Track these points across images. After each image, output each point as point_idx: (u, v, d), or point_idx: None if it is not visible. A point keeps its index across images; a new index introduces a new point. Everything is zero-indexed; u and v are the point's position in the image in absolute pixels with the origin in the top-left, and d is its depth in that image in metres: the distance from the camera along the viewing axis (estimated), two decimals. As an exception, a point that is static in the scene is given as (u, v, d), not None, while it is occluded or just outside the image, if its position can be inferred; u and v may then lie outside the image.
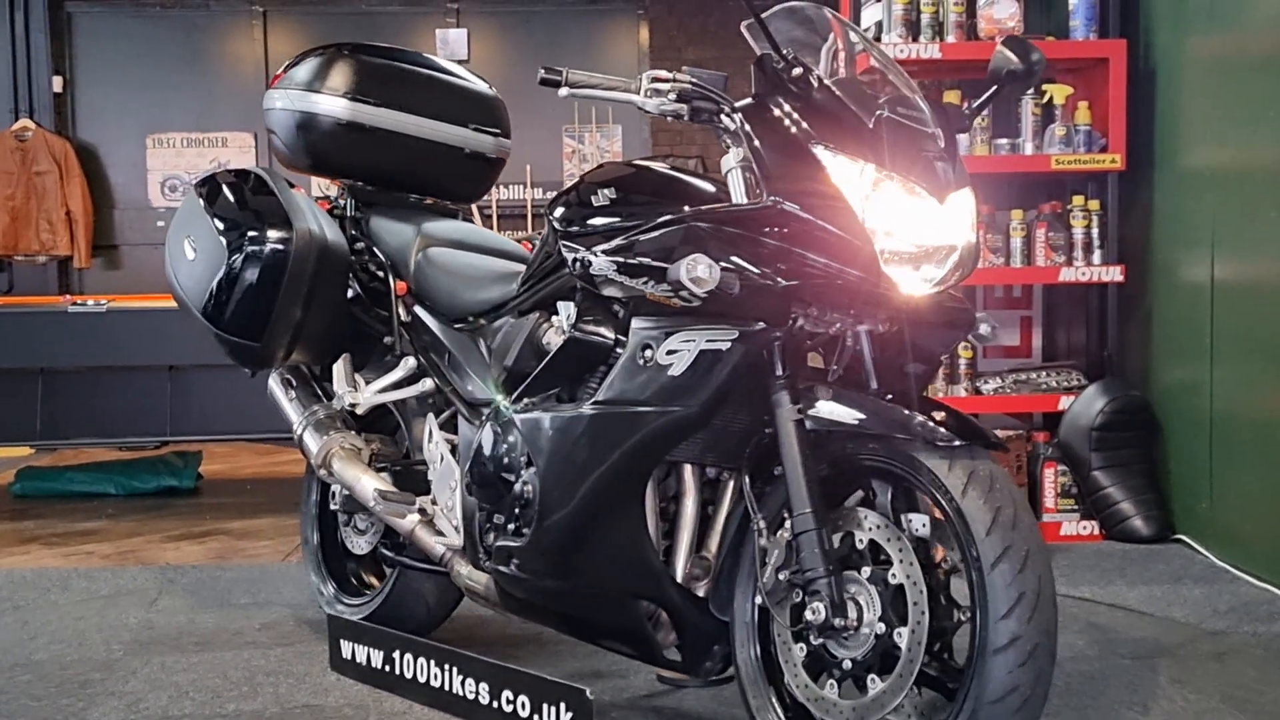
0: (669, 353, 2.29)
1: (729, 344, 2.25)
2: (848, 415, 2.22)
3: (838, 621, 2.19)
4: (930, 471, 2.15)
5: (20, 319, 5.09)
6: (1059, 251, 4.46)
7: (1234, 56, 4.06)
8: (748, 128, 2.29)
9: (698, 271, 2.18)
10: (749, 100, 2.33)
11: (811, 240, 2.20)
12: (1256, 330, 3.87)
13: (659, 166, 2.53)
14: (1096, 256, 4.45)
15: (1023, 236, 4.45)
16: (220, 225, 3.10)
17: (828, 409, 2.23)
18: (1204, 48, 4.23)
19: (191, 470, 5.73)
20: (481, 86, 3.50)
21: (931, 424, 2.15)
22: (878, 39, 4.45)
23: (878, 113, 2.25)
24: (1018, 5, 4.44)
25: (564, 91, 2.36)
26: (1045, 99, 4.48)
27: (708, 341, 2.26)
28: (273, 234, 3.03)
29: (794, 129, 2.25)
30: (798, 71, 2.29)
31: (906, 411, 2.19)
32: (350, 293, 3.24)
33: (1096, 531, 4.40)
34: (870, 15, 4.68)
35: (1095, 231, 4.45)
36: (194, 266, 3.16)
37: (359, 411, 3.22)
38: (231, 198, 3.16)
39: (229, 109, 8.54)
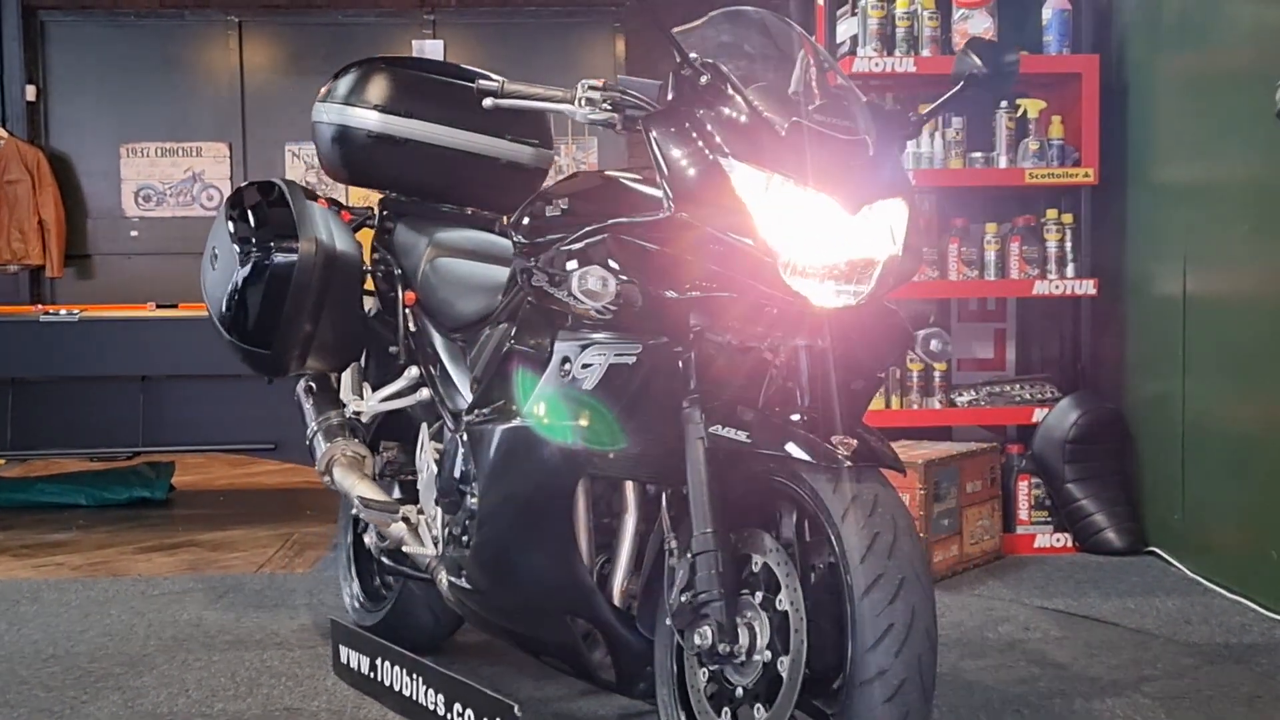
0: (584, 366, 2.27)
1: (634, 358, 2.21)
2: (738, 434, 2.13)
3: (722, 648, 2.11)
4: (815, 493, 2.06)
5: (-9, 328, 5.06)
6: (1033, 265, 4.48)
7: (1206, 72, 4.09)
8: (655, 138, 2.21)
9: (589, 284, 2.16)
10: (656, 111, 2.25)
11: (711, 253, 2.14)
12: (1229, 343, 3.89)
13: (619, 177, 2.45)
14: (1070, 270, 4.48)
15: (996, 250, 4.47)
16: (234, 236, 3.17)
17: (723, 427, 2.16)
18: (1176, 63, 4.26)
19: (164, 481, 5.70)
20: None
21: (823, 444, 2.05)
22: (852, 53, 4.47)
23: (792, 120, 2.16)
24: (992, 20, 4.47)
25: (489, 102, 2.33)
26: (1019, 113, 4.51)
27: (616, 355, 2.23)
28: (280, 245, 3.10)
29: (700, 139, 2.17)
30: (706, 80, 2.21)
31: (802, 430, 2.10)
32: (371, 302, 3.28)
33: (1070, 544, 4.42)
34: (845, 29, 4.69)
35: (1069, 245, 4.48)
36: (215, 276, 3.24)
37: (363, 419, 3.26)
38: (248, 209, 3.22)
39: (204, 119, 8.51)
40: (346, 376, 3.27)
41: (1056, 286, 4.46)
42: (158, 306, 5.21)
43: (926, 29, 4.43)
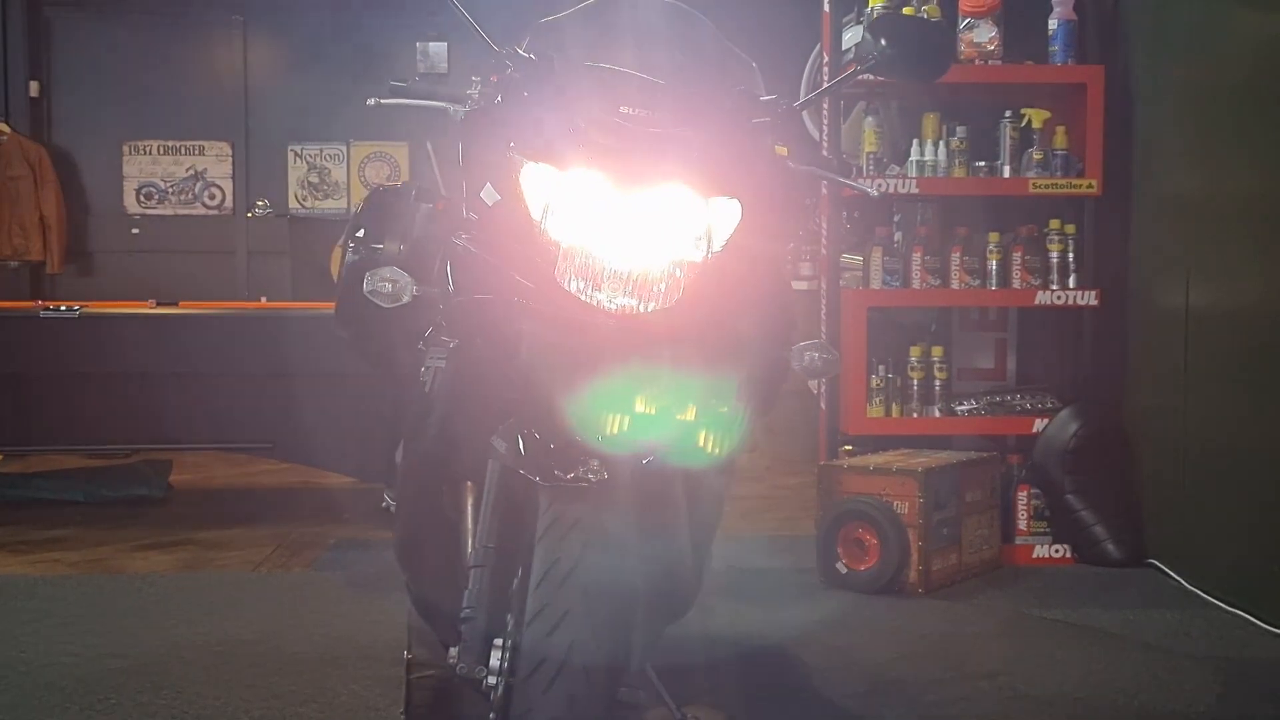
0: (424, 370, 2.27)
1: (443, 363, 2.17)
2: (499, 443, 2.01)
3: (461, 667, 2.01)
4: (537, 512, 1.94)
5: (-10, 323, 5.04)
6: (1035, 275, 4.47)
7: (1211, 84, 4.09)
8: (462, 135, 2.13)
9: (374, 284, 2.10)
10: (472, 110, 2.15)
11: (493, 254, 2.06)
12: (1231, 356, 3.89)
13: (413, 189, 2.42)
14: (1072, 280, 4.47)
15: (999, 259, 4.47)
16: (350, 234, 3.27)
17: (496, 437, 2.03)
18: (1181, 75, 4.26)
19: (161, 479, 5.68)
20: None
21: (548, 459, 1.92)
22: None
23: (597, 115, 2.02)
24: (997, 30, 4.46)
25: (371, 101, 2.29)
26: (1023, 123, 4.51)
27: (436, 360, 2.20)
28: (367, 243, 3.17)
29: (499, 136, 2.06)
30: (512, 73, 2.09)
31: (552, 446, 1.94)
32: None
33: (1069, 554, 4.41)
34: (851, 37, 4.69)
35: (1071, 255, 4.47)
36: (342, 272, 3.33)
37: None
38: (361, 209, 3.32)
39: (207, 117, 8.50)
40: None
41: (1058, 297, 4.45)
42: (158, 304, 5.20)
43: (932, 37, 4.42)
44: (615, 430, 1.93)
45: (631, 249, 1.97)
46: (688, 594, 2.32)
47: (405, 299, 2.09)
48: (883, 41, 2.12)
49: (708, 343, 2.04)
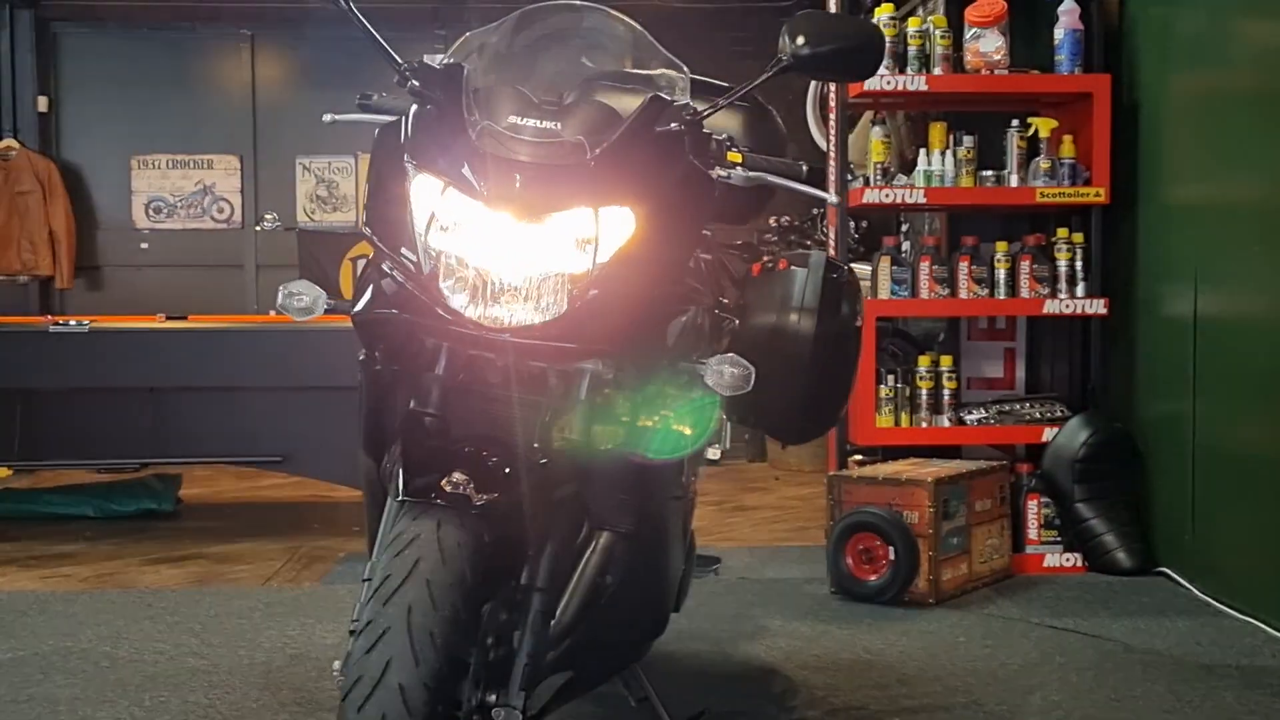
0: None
1: (360, 375, 2.14)
2: (361, 458, 2.03)
3: (338, 679, 1.93)
4: None
5: (0, 339, 5.06)
6: (1043, 284, 4.47)
7: (1217, 92, 4.09)
8: (373, 150, 2.10)
9: (284, 298, 2.05)
10: (384, 125, 2.14)
11: (380, 266, 2.04)
12: (1239, 364, 3.88)
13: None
14: (1080, 289, 4.47)
15: (1007, 268, 4.47)
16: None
17: (360, 454, 2.05)
18: (1188, 83, 4.26)
19: (170, 493, 5.69)
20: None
21: (414, 473, 1.90)
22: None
23: (485, 124, 2.00)
24: (1004, 39, 4.46)
25: (327, 118, 2.26)
26: (1030, 132, 4.51)
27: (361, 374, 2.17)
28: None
29: (396, 147, 2.04)
30: (415, 83, 2.07)
31: (414, 459, 1.93)
32: None
33: (1079, 563, 4.40)
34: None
35: (1079, 264, 4.47)
36: None
37: None
38: None
39: (215, 131, 8.52)
40: None
41: (1067, 306, 4.45)
42: (167, 318, 5.21)
43: (939, 48, 4.43)
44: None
45: (511, 262, 1.95)
46: (653, 611, 2.35)
47: (318, 311, 2.06)
48: (798, 41, 2.06)
49: (597, 353, 2.00)
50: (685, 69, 2.22)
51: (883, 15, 4.45)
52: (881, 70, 4.39)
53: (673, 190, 2.04)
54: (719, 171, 2.23)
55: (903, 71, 4.42)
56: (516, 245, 1.94)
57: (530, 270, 1.95)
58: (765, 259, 3.02)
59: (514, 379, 1.99)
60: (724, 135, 2.27)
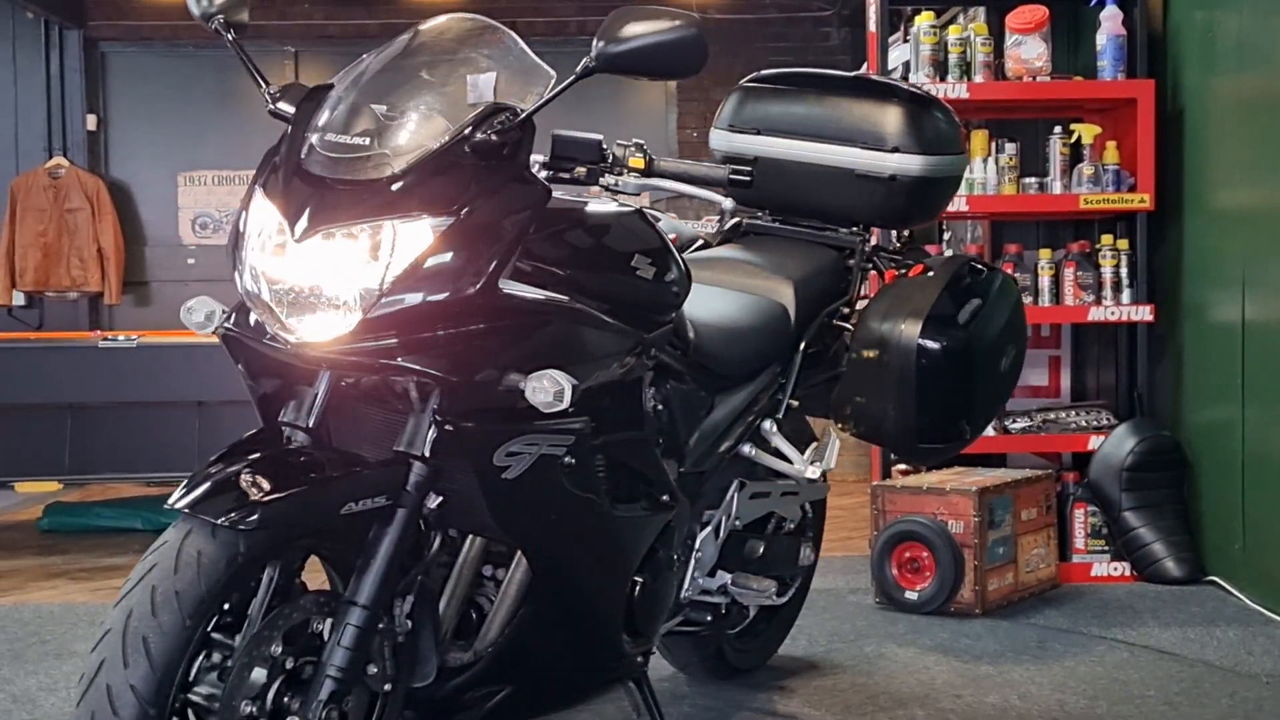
0: None
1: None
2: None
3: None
4: None
5: (51, 354, 5.13)
6: (1088, 291, 4.44)
7: (1262, 97, 4.05)
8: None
9: (186, 314, 2.23)
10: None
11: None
12: (1288, 370, 3.84)
13: None
14: (1126, 296, 4.43)
15: (1051, 276, 4.44)
16: None
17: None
18: (1232, 88, 4.23)
19: (219, 506, 5.73)
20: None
21: (196, 483, 1.95)
22: (905, 78, 4.46)
23: (309, 142, 2.06)
24: (1045, 45, 4.44)
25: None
26: (1073, 138, 4.48)
27: None
28: None
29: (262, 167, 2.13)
30: (272, 109, 2.19)
31: (210, 469, 2.00)
32: None
33: (1128, 573, 4.36)
34: (897, 56, 4.69)
35: (1124, 271, 4.44)
36: None
37: None
38: None
39: (260, 147, 8.32)
40: None
41: (1112, 313, 4.42)
42: (215, 333, 5.26)
43: (980, 55, 4.41)
44: None
45: (302, 277, 1.98)
46: (581, 635, 2.35)
47: (213, 326, 2.15)
48: (605, 41, 2.02)
49: (395, 368, 1.99)
50: (552, 73, 2.16)
51: (923, 23, 4.44)
52: (921, 78, 4.39)
53: (486, 199, 2.02)
54: (607, 179, 2.25)
55: (944, 79, 4.40)
56: (303, 261, 1.97)
57: (315, 284, 1.97)
58: (906, 264, 2.98)
59: (321, 400, 2.06)
60: (630, 142, 2.32)
